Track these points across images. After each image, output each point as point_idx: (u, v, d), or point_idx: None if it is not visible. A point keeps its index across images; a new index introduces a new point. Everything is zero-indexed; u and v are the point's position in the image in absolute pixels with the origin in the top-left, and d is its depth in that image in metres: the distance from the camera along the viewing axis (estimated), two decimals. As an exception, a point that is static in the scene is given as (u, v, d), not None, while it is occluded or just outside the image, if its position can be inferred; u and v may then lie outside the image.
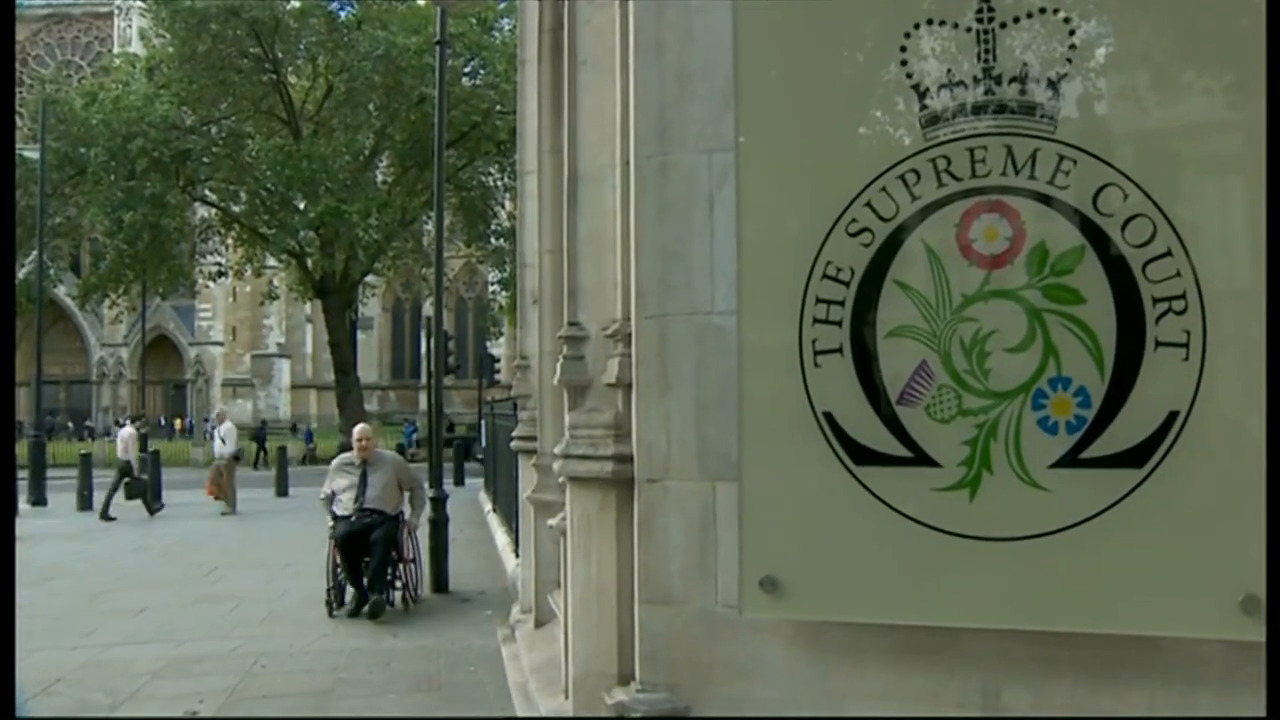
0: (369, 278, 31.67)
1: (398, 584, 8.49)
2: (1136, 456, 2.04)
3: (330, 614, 7.72)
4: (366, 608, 8.03)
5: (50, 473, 20.91)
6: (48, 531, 16.11)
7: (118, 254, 29.44)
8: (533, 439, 3.69)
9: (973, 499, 2.12)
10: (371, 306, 49.04)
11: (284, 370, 54.95)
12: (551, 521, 2.84)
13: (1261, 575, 1.93)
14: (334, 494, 8.57)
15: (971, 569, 2.13)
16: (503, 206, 30.08)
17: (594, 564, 2.44)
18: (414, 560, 8.77)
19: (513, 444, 4.19)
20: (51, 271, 28.80)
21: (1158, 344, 2.01)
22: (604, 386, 2.48)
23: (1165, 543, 2.04)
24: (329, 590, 8.27)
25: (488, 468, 15.47)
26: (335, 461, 8.99)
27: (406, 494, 8.80)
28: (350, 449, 9.10)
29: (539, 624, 3.56)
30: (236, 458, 18.60)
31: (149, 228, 27.90)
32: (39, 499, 20.64)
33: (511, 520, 10.01)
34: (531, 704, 2.95)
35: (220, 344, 54.63)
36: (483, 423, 18.24)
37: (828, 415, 2.21)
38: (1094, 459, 2.07)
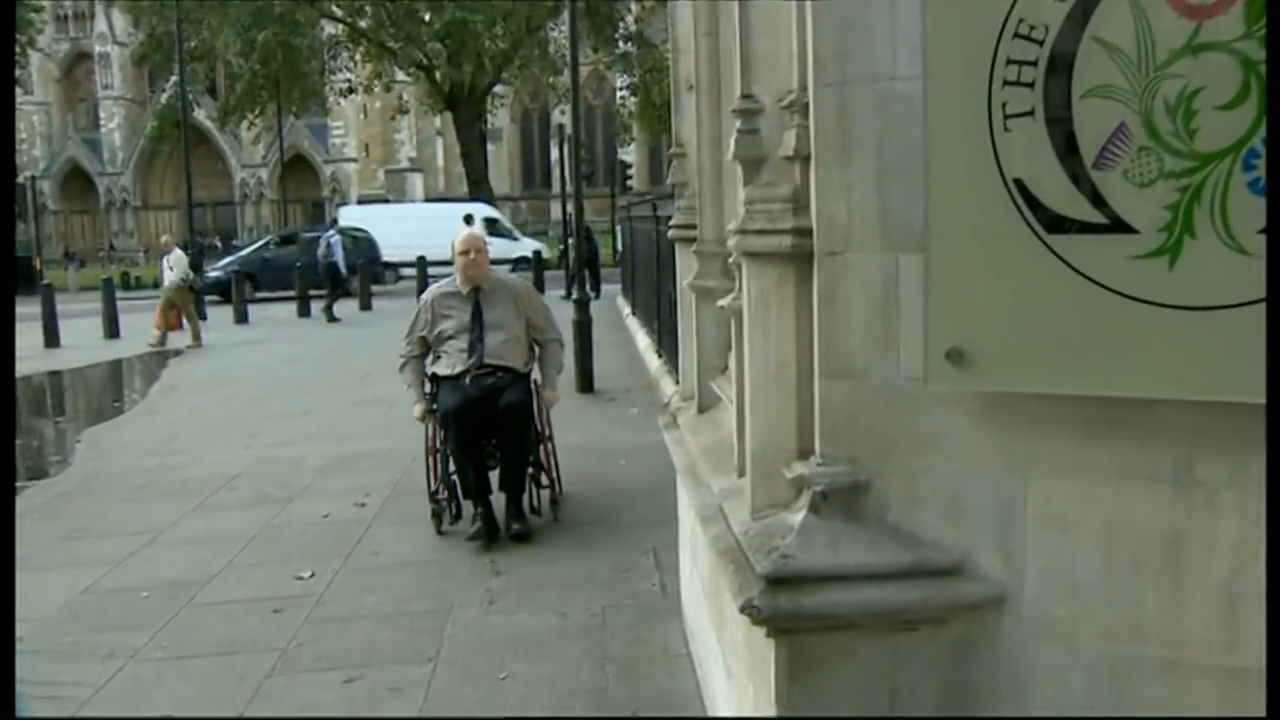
0: (496, 88, 31.66)
1: (543, 480, 6.20)
2: (1355, 220, 1.93)
3: (439, 530, 5.96)
4: (515, 528, 5.72)
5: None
6: (208, 344, 16.96)
7: (252, 75, 30.05)
8: (691, 227, 3.66)
9: (1172, 266, 2.04)
10: (500, 117, 49.11)
11: (417, 184, 55.90)
12: (722, 302, 2.84)
13: None
14: (428, 349, 6.05)
15: (1168, 338, 2.06)
16: (629, 10, 29.45)
17: (772, 340, 2.44)
18: (551, 438, 6.28)
19: (670, 233, 4.17)
20: (190, 95, 29.49)
21: (1390, 96, 1.87)
22: (780, 160, 2.42)
23: (1382, 309, 1.93)
24: (433, 496, 6.04)
25: (625, 272, 15.62)
26: (427, 295, 6.20)
27: (538, 346, 6.13)
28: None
29: (701, 410, 3.61)
30: (192, 288, 17.20)
31: (280, 47, 28.33)
32: (199, 314, 21.80)
33: (652, 321, 10.16)
34: (701, 484, 3.02)
35: (354, 160, 55.73)
36: (618, 228, 18.32)
37: (1018, 182, 2.13)
38: (1309, 223, 1.95)
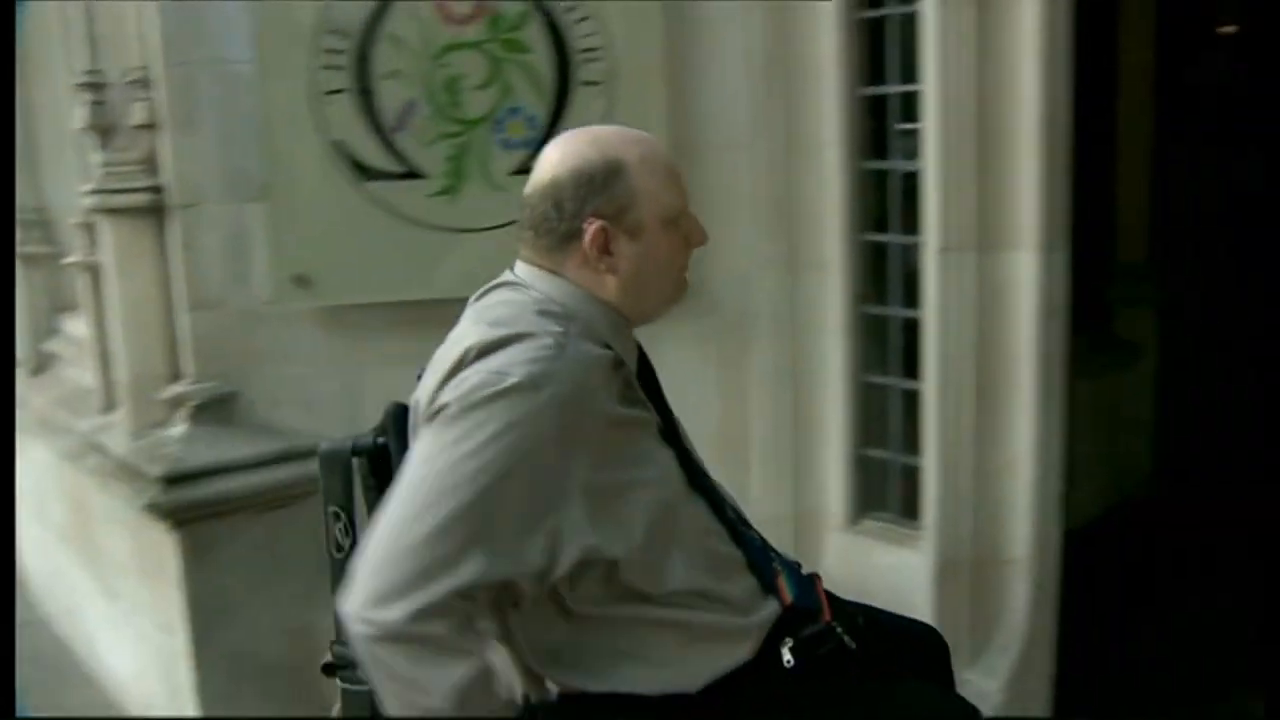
0: None
1: None
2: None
3: None
4: None
5: None
6: None
7: None
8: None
9: (453, 201, 2.84)
10: None
11: None
12: (70, 260, 3.13)
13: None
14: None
15: (454, 254, 2.85)
16: None
17: (138, 284, 2.82)
18: None
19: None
20: None
21: (583, 83, 2.81)
22: (131, 128, 2.82)
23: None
24: None
25: None
26: (560, 387, 1.36)
27: None
28: None
29: (36, 373, 3.79)
30: None
31: None
32: None
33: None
34: (60, 430, 3.28)
35: None
36: None
37: (338, 143, 2.78)
38: (538, 168, 2.85)
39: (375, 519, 1.36)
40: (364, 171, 2.81)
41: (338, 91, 2.77)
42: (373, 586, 1.27)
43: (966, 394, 2.61)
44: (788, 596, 1.56)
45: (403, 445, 1.51)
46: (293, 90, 2.75)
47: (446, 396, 1.37)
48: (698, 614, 1.47)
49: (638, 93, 2.82)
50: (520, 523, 1.33)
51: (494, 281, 1.61)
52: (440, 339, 2.91)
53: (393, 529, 1.30)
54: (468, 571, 1.28)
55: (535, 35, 2.79)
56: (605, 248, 1.48)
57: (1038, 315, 2.59)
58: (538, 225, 1.52)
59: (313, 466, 2.82)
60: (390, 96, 2.78)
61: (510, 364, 1.35)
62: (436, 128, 2.81)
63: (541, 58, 2.80)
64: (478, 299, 1.61)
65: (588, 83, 2.82)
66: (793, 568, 1.65)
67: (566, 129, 2.74)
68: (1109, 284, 4.56)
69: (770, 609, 1.54)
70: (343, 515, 1.57)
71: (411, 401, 1.54)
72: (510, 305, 1.51)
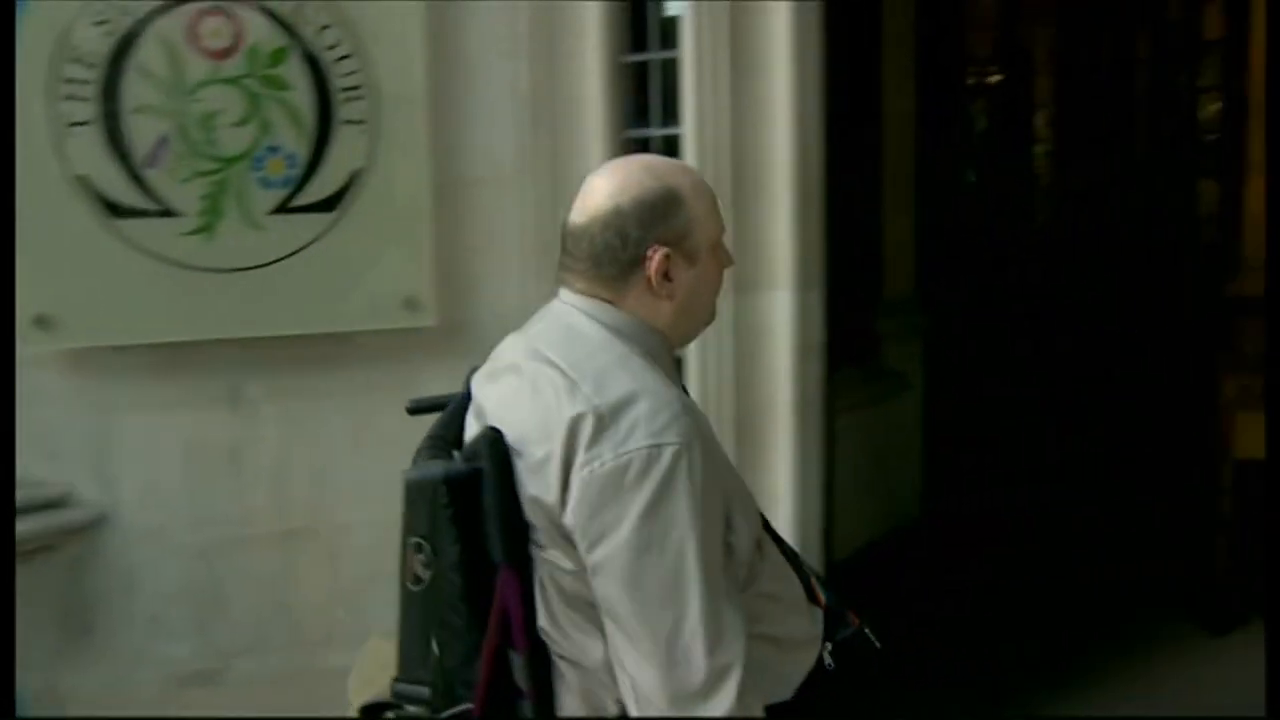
0: None
1: None
2: (330, 204, 2.81)
3: None
4: None
5: None
6: None
7: None
8: None
9: (210, 240, 2.74)
10: None
11: None
12: None
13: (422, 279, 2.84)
14: None
15: (213, 294, 2.76)
16: None
17: None
18: None
19: None
20: None
21: (345, 121, 2.77)
22: None
23: (354, 264, 2.84)
24: None
25: None
26: (681, 415, 1.41)
27: None
28: None
29: None
30: None
31: None
32: None
33: None
34: None
35: None
36: None
37: (82, 178, 2.66)
38: (300, 206, 2.79)
39: (613, 637, 1.35)
40: (112, 208, 2.69)
41: (83, 124, 2.65)
42: (684, 691, 1.31)
43: (727, 431, 2.68)
44: (822, 600, 1.65)
45: (500, 471, 1.41)
46: (30, 120, 2.61)
47: (583, 476, 1.34)
48: (777, 624, 1.54)
49: (401, 130, 2.81)
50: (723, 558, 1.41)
51: (554, 317, 1.53)
52: (201, 379, 2.85)
53: (659, 629, 1.31)
54: (737, 618, 1.35)
55: (295, 72, 2.73)
56: (667, 274, 1.48)
57: (795, 352, 2.69)
58: (599, 256, 1.47)
59: (58, 518, 2.76)
60: (141, 131, 2.68)
61: (657, 431, 1.34)
62: (191, 165, 2.71)
63: (302, 95, 2.74)
64: (537, 331, 1.55)
65: (350, 121, 2.77)
66: (815, 573, 1.72)
67: (327, 167, 2.80)
68: (876, 318, 4.75)
69: (819, 614, 1.63)
70: (425, 546, 1.47)
71: (511, 432, 1.43)
72: (596, 346, 1.47)
